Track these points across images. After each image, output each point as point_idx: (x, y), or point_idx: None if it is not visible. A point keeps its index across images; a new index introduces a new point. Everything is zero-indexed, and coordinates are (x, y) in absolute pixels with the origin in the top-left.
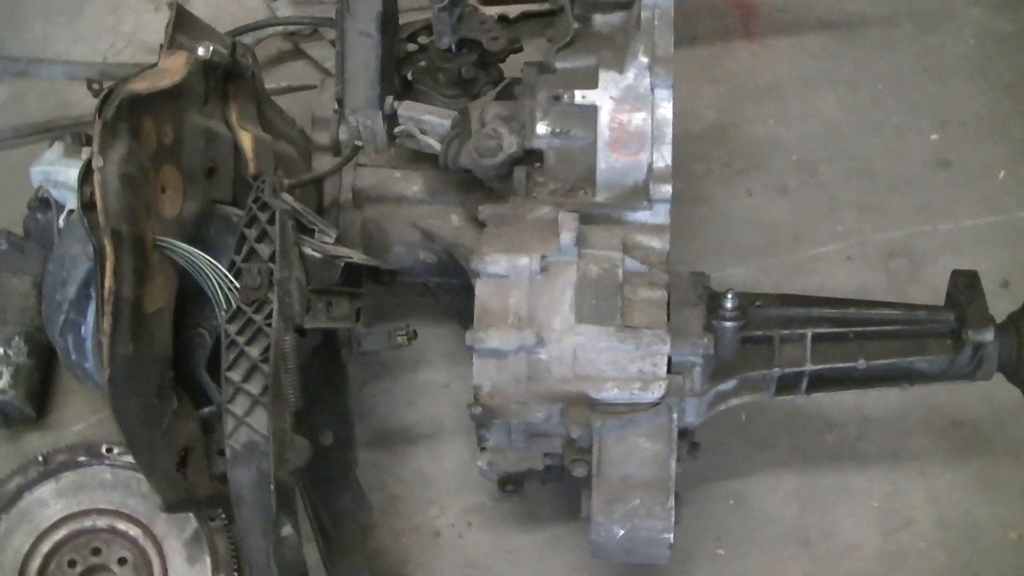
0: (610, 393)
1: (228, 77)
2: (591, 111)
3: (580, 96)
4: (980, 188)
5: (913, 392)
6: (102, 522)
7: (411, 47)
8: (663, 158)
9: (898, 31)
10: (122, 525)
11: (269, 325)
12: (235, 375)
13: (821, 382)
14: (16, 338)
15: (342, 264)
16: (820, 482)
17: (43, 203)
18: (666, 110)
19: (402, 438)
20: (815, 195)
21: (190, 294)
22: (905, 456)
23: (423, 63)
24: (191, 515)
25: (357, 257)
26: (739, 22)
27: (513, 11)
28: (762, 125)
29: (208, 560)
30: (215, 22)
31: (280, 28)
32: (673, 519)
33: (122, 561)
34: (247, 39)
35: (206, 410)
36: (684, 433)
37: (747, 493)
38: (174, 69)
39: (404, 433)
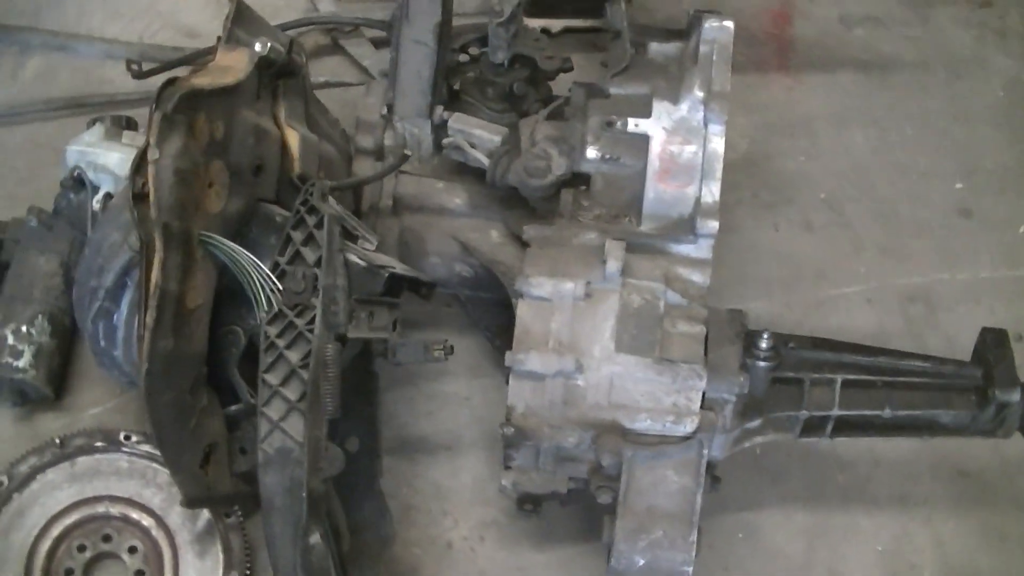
0: (643, 424)
1: (280, 74)
2: (642, 140)
3: (633, 124)
4: (1000, 240)
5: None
6: (115, 509)
7: (462, 58)
8: (711, 193)
9: (930, 76)
10: (135, 514)
11: (311, 331)
12: (272, 378)
13: (846, 427)
14: (39, 317)
15: (386, 275)
16: (829, 521)
17: (77, 183)
18: (718, 145)
19: (420, 448)
20: (840, 234)
21: (226, 291)
22: (913, 501)
23: (472, 75)
24: (207, 512)
25: (400, 267)
26: (775, 54)
27: (556, 26)
28: (792, 160)
29: (220, 556)
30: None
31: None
32: (694, 553)
33: (132, 550)
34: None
35: (233, 408)
36: (708, 467)
37: (757, 526)
38: (238, 67)
39: (422, 443)
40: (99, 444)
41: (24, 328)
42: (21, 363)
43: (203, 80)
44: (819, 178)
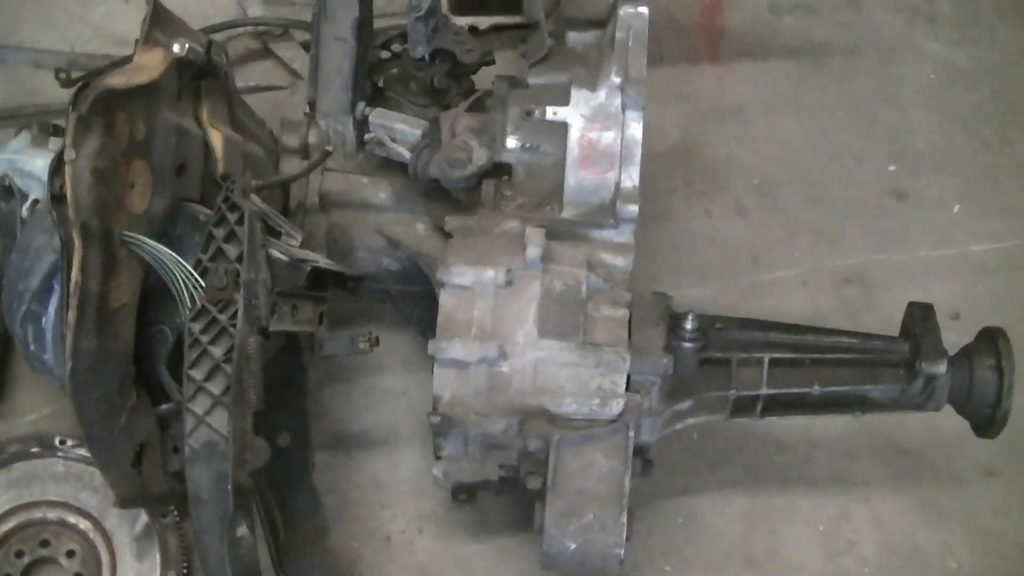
0: (569, 408)
1: (201, 75)
2: (561, 128)
3: (551, 112)
4: (934, 220)
5: (860, 417)
6: (52, 514)
7: (384, 54)
8: (631, 178)
9: (861, 61)
10: (72, 518)
11: (234, 325)
12: (197, 374)
13: (776, 406)
14: None
15: (308, 268)
16: (768, 503)
17: (6, 191)
18: (636, 130)
19: (358, 442)
20: (773, 219)
21: (153, 291)
22: (851, 480)
23: (395, 71)
24: (142, 511)
25: (323, 262)
26: (706, 44)
27: (483, 23)
28: (724, 147)
29: (158, 556)
30: (186, 19)
31: (250, 27)
32: (625, 534)
33: (71, 554)
34: (216, 37)
35: (164, 407)
36: (639, 450)
37: (696, 511)
38: (151, 66)
39: (360, 438)
40: (35, 449)
41: None
42: None
43: (117, 80)
44: (751, 164)
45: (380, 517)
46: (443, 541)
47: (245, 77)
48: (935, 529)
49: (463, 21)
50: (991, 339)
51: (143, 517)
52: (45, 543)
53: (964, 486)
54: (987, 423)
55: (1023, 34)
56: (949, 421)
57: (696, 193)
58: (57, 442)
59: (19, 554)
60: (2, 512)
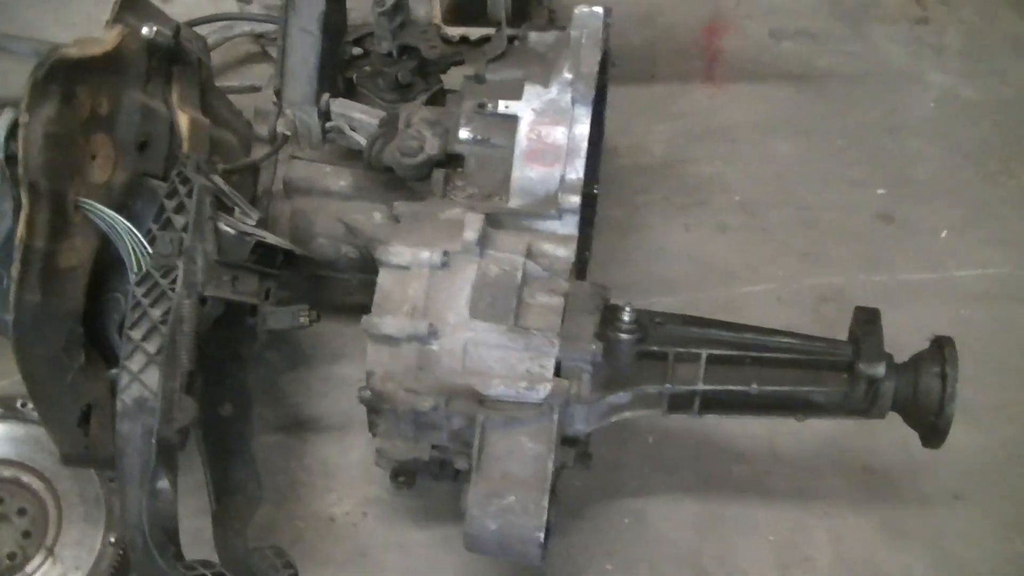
0: (497, 390)
1: (173, 60)
2: (512, 121)
3: (504, 106)
4: (921, 245)
5: (825, 434)
6: (8, 473)
7: (357, 51)
8: (575, 171)
9: (864, 89)
10: (26, 478)
11: (173, 289)
12: (136, 333)
13: (715, 404)
14: None
15: (252, 242)
16: (721, 512)
17: None
18: (584, 126)
19: (312, 427)
20: (754, 237)
21: (114, 262)
22: (812, 495)
23: (367, 67)
24: (95, 477)
25: (271, 239)
26: (702, 66)
27: (475, 33)
28: (709, 165)
29: (104, 518)
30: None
31: (248, 29)
32: (545, 519)
33: (21, 512)
34: (214, 36)
35: (114, 371)
36: (575, 441)
37: (644, 513)
38: (107, 40)
39: (314, 422)
40: None
41: None
42: None
43: (72, 51)
44: (735, 183)
45: (326, 499)
46: (386, 526)
47: (243, 79)
48: (896, 550)
49: (455, 31)
50: (938, 347)
51: (95, 482)
52: None
53: (930, 509)
54: (931, 431)
55: None
56: (919, 443)
57: (676, 207)
58: (19, 404)
59: None
60: None
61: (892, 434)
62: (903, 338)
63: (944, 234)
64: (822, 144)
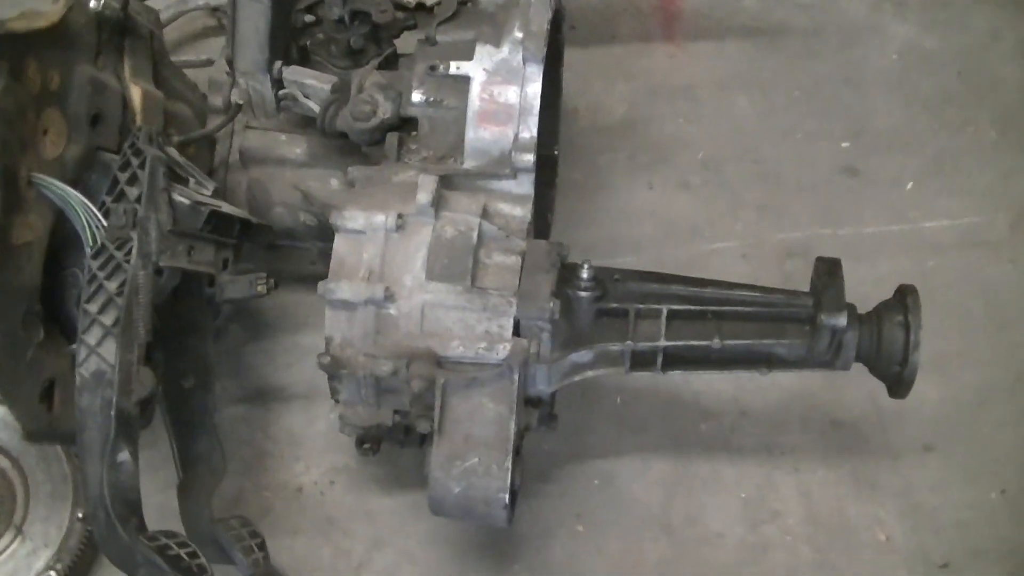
0: (456, 351)
1: (124, 33)
2: (464, 82)
3: (455, 67)
4: (886, 197)
5: (793, 389)
6: None
7: (309, 18)
8: (528, 129)
9: (821, 42)
10: None
11: (128, 261)
12: (92, 307)
13: (678, 360)
14: None
15: (207, 211)
16: (689, 470)
17: None
18: (535, 84)
19: (277, 397)
20: (717, 193)
21: (71, 237)
22: (780, 451)
23: (320, 35)
24: (62, 453)
25: (226, 208)
26: (661, 25)
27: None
28: (671, 123)
29: (71, 495)
30: None
31: (203, 3)
32: (509, 480)
33: None
34: (170, 11)
35: (74, 346)
36: (538, 401)
37: (614, 475)
38: (52, 12)
39: (279, 392)
40: None
41: None
42: None
43: (17, 24)
44: (698, 140)
45: (293, 469)
46: (354, 494)
47: (199, 52)
48: (866, 503)
49: None
50: (901, 296)
51: (62, 458)
52: None
53: (900, 461)
54: (897, 381)
55: (994, 18)
56: (887, 395)
57: (639, 166)
58: None
59: None
60: None
61: (860, 387)
62: (869, 292)
63: (910, 186)
64: (780, 98)
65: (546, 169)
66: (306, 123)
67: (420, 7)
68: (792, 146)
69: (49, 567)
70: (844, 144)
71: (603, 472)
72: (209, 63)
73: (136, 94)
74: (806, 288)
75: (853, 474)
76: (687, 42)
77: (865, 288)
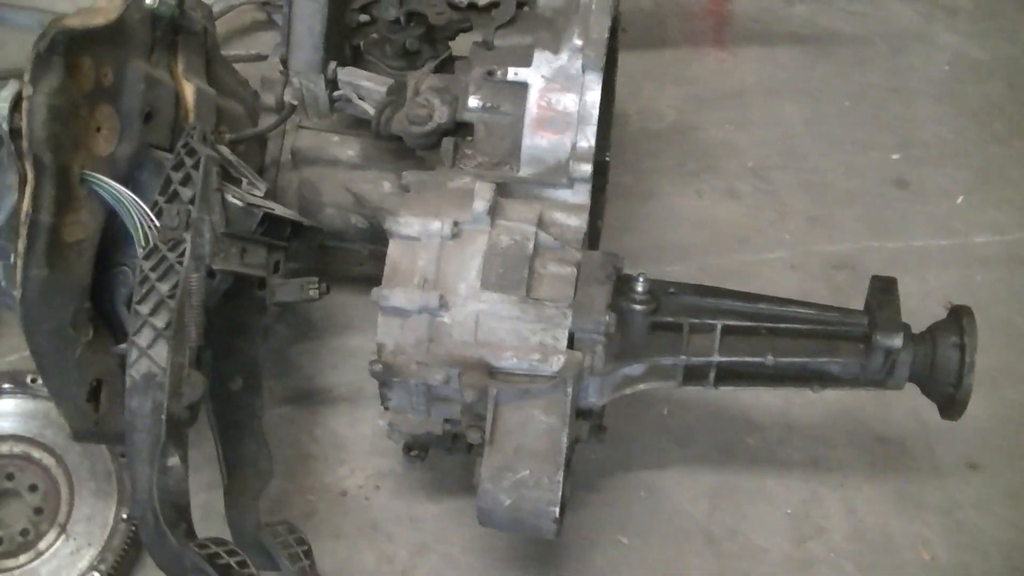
0: (509, 362)
1: (177, 30)
2: (522, 88)
3: (513, 73)
4: (936, 210)
5: (840, 404)
6: (18, 448)
7: (363, 18)
8: (587, 138)
9: (871, 50)
10: (37, 453)
11: (181, 263)
12: (144, 308)
13: (730, 375)
14: None
15: (260, 214)
16: (735, 483)
17: None
18: (595, 93)
19: (322, 399)
20: (766, 202)
21: (120, 234)
22: (825, 466)
23: (374, 35)
24: (106, 452)
25: (279, 210)
26: (711, 29)
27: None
28: (720, 129)
29: (115, 494)
30: None
31: None
32: (560, 493)
33: (33, 488)
34: (219, 5)
35: (122, 346)
36: (588, 413)
37: (658, 486)
38: (110, 9)
39: (325, 394)
40: (6, 386)
41: None
42: None
43: (74, 21)
44: (747, 148)
45: (338, 472)
46: (399, 499)
47: (249, 47)
48: (911, 520)
49: None
50: (956, 317)
51: (106, 457)
52: (10, 476)
53: (945, 479)
54: (949, 402)
55: None
56: (934, 412)
57: (687, 173)
58: (29, 380)
59: None
60: None
61: (906, 403)
62: (917, 306)
63: (960, 200)
64: (829, 107)
65: (597, 175)
66: (358, 124)
67: (472, 7)
68: (841, 156)
69: (93, 567)
70: (894, 156)
71: (648, 483)
72: (261, 58)
73: (189, 91)
74: (855, 301)
75: (898, 491)
76: (737, 47)
77: (913, 302)
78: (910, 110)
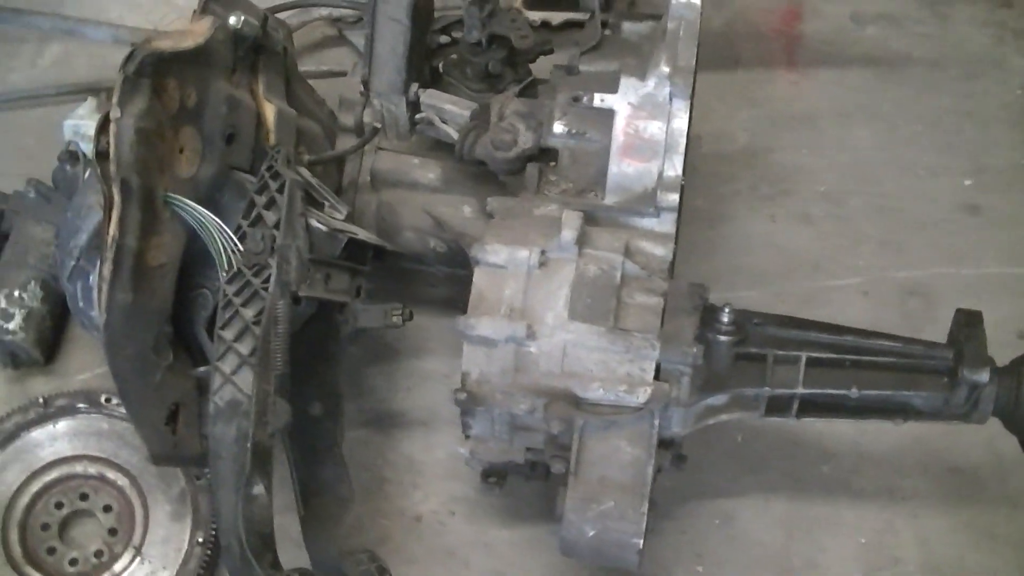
0: (596, 393)
1: (259, 50)
2: (608, 115)
3: (599, 99)
4: (1008, 237)
5: (912, 433)
6: (93, 469)
7: (444, 39)
8: (674, 167)
9: (943, 74)
10: (111, 474)
11: (266, 289)
12: (228, 334)
13: (813, 407)
14: (32, 283)
15: (345, 239)
16: (809, 512)
17: (72, 156)
18: (682, 121)
19: (397, 422)
20: (839, 227)
21: (199, 255)
22: (899, 495)
23: (454, 56)
24: (180, 474)
25: (362, 235)
26: (783, 50)
27: (556, 18)
28: (794, 153)
29: (190, 517)
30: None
31: (326, 13)
32: (644, 525)
33: (107, 508)
34: (291, 21)
35: (202, 369)
36: (670, 443)
37: (734, 514)
38: (198, 32)
39: (399, 417)
40: (81, 405)
41: (16, 293)
42: (11, 326)
43: (164, 43)
44: (820, 172)
45: (412, 497)
46: (473, 525)
47: (319, 62)
48: (984, 553)
49: (536, 16)
50: None
51: (180, 478)
52: (84, 496)
53: (1018, 510)
54: None
55: None
56: (1007, 442)
57: (761, 197)
58: (103, 400)
59: (59, 505)
60: (45, 463)
61: (979, 434)
62: (991, 334)
63: None
64: (901, 131)
65: None
66: (439, 147)
67: (545, 26)
68: (914, 181)
69: None
70: (967, 182)
71: (723, 511)
72: (340, 75)
73: (269, 111)
74: (927, 329)
75: (971, 522)
76: (809, 69)
77: (986, 331)
78: (983, 135)
